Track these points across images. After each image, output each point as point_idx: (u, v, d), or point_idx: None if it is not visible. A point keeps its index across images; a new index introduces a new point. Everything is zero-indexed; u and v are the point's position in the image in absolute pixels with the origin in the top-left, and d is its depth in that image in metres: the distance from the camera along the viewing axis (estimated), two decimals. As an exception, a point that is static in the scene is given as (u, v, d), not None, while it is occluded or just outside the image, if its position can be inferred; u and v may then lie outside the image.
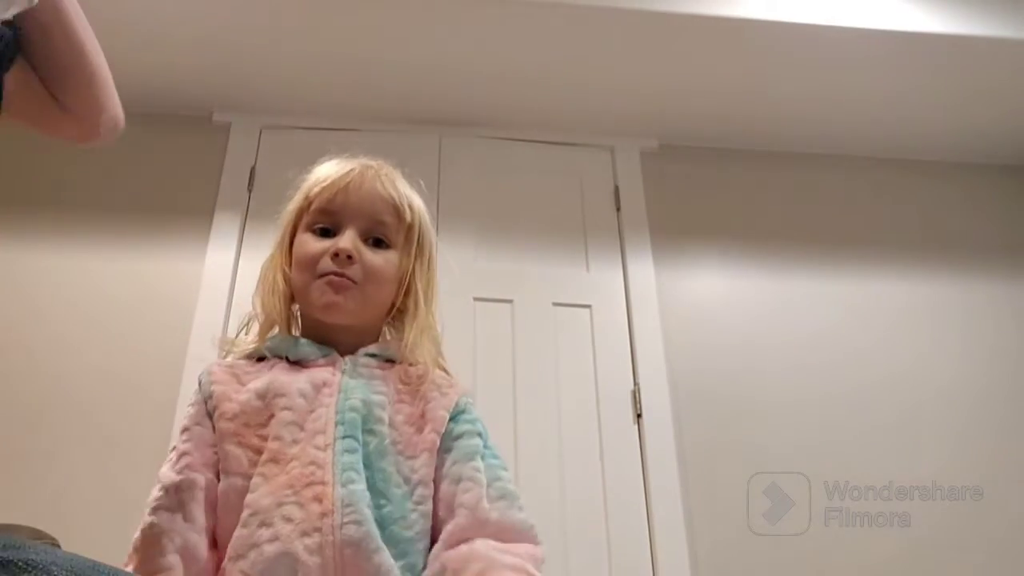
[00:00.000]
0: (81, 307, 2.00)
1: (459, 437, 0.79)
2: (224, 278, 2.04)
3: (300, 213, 0.86)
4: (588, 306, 2.14)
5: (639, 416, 2.00)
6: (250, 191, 2.18)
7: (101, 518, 1.69)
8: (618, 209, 2.30)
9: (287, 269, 0.86)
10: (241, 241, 2.11)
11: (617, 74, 2.16)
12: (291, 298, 0.86)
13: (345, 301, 0.80)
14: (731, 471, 1.96)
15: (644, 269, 2.21)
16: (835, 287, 2.27)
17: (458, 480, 0.75)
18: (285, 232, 0.88)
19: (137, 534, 0.72)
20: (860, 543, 1.92)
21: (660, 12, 1.95)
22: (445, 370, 0.87)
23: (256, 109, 2.29)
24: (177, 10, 1.94)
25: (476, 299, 2.09)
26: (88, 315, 1.98)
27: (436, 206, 2.20)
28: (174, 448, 0.78)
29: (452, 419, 0.80)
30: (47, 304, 1.99)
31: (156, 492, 0.74)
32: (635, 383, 2.04)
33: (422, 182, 0.94)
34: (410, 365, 0.84)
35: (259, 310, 0.87)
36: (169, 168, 2.21)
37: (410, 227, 0.86)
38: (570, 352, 2.07)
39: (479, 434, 0.80)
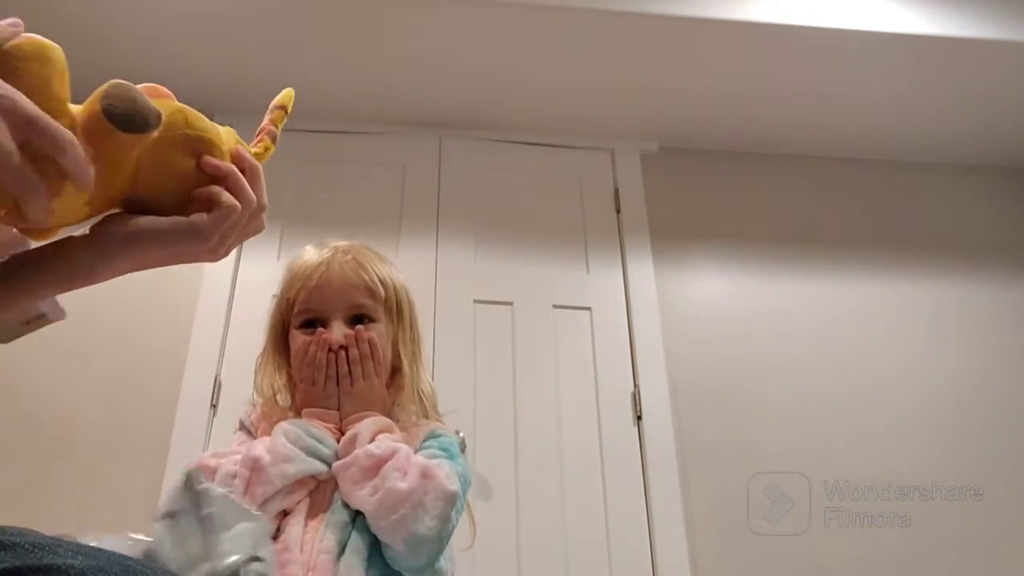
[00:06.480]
0: (80, 313, 2.00)
1: (426, 449, 0.88)
2: (224, 283, 2.05)
3: (286, 312, 0.95)
4: (588, 308, 2.14)
5: (639, 418, 2.00)
6: (251, 194, 2.18)
7: (100, 520, 1.69)
8: (618, 211, 2.31)
9: (281, 361, 0.95)
10: (241, 246, 2.11)
11: (617, 76, 2.17)
12: (291, 384, 0.94)
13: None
14: (731, 471, 1.96)
15: (644, 271, 2.21)
16: (834, 288, 2.27)
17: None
18: (274, 327, 0.96)
19: None
20: (860, 543, 1.92)
21: (659, 15, 1.96)
22: (437, 414, 0.96)
23: (256, 112, 2.25)
24: (178, 13, 1.95)
25: (476, 301, 2.10)
26: (87, 321, 1.99)
27: (436, 208, 2.21)
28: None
29: (424, 441, 0.89)
30: (49, 308, 2.00)
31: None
32: (635, 385, 2.04)
33: (392, 260, 1.01)
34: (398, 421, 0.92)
35: (260, 396, 0.94)
36: (170, 172, 2.21)
37: (387, 300, 0.94)
38: (570, 354, 2.07)
39: (444, 449, 0.88)
